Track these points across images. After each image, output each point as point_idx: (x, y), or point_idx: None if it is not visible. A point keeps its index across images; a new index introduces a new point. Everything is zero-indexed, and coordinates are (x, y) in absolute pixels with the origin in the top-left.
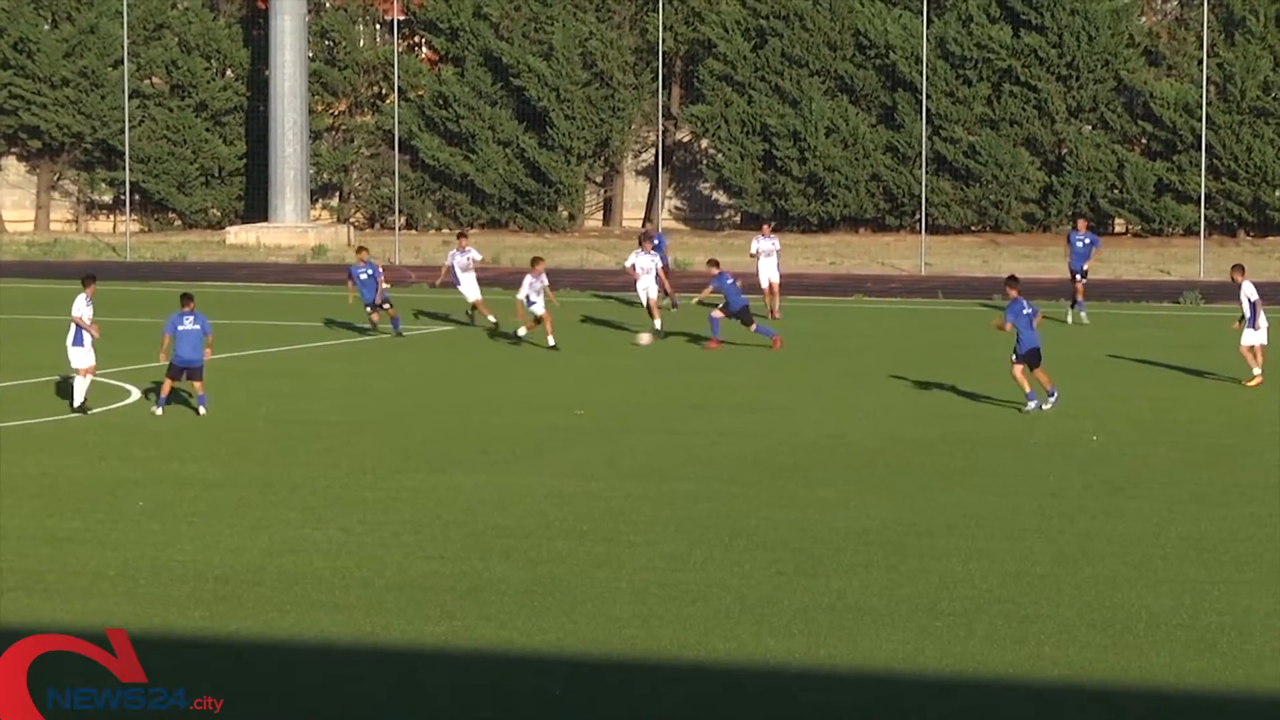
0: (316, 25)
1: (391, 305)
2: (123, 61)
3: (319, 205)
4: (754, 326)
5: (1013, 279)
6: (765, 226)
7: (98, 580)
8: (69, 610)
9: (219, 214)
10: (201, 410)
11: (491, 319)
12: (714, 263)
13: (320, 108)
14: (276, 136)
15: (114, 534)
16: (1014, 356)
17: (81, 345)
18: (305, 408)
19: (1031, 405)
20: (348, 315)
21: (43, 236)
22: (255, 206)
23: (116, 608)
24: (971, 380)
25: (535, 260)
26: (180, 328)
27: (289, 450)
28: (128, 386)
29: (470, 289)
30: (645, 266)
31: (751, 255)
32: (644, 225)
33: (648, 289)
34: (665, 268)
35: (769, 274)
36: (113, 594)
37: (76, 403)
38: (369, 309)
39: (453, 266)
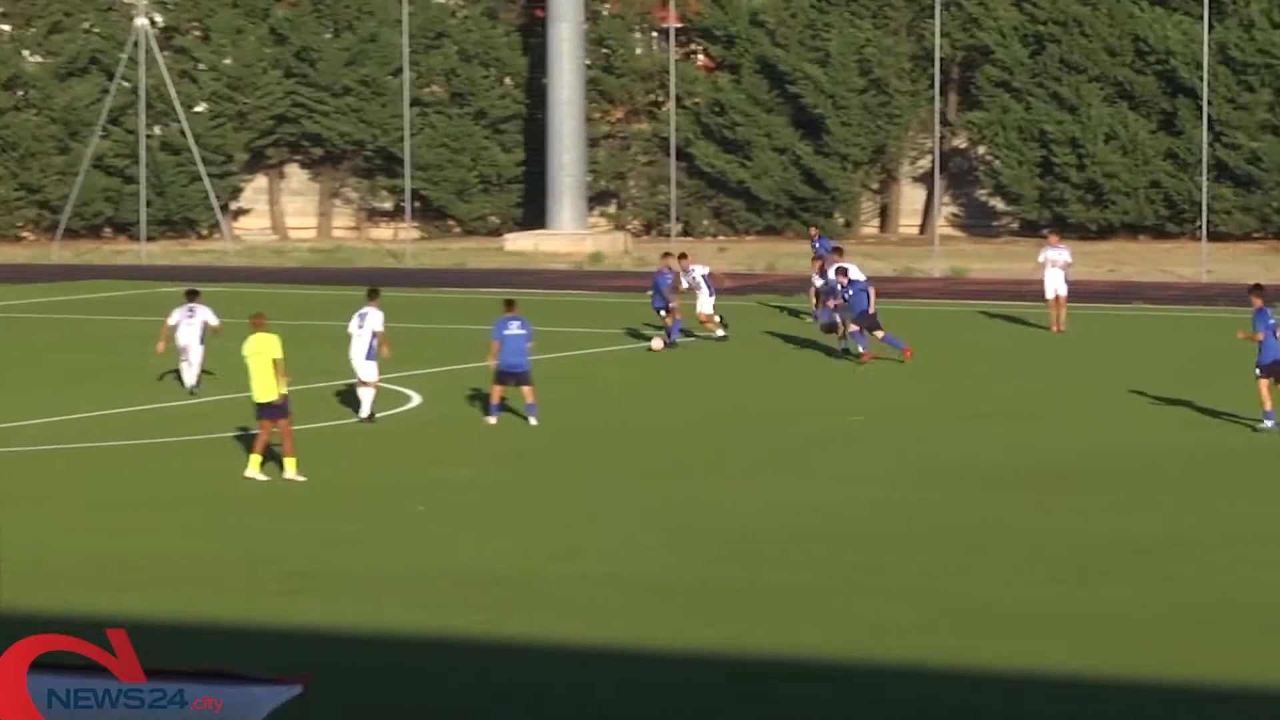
0: (594, 33)
1: (675, 309)
2: (402, 70)
3: (596, 212)
4: (882, 334)
5: (1258, 287)
6: (1054, 235)
7: (375, 582)
8: (352, 611)
9: (498, 221)
10: (531, 420)
11: (721, 332)
12: (842, 271)
13: (597, 115)
14: (554, 144)
15: (393, 537)
16: (1258, 370)
17: (374, 359)
18: (581, 413)
19: (1268, 424)
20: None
21: (325, 243)
22: (533, 213)
23: (395, 610)
24: (1248, 390)
25: (838, 250)
26: (506, 332)
27: (564, 455)
28: (407, 392)
29: (703, 303)
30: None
31: (1039, 263)
32: (812, 232)
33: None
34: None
35: (1056, 285)
36: (391, 595)
37: (364, 413)
38: (661, 312)
39: (690, 284)
